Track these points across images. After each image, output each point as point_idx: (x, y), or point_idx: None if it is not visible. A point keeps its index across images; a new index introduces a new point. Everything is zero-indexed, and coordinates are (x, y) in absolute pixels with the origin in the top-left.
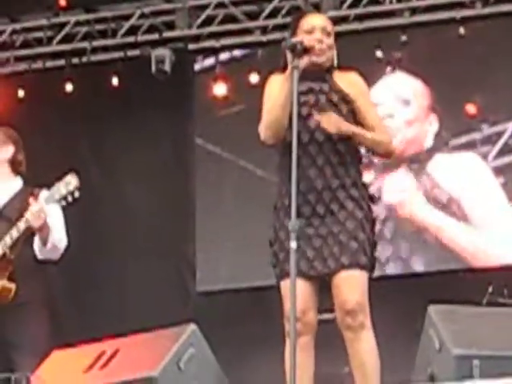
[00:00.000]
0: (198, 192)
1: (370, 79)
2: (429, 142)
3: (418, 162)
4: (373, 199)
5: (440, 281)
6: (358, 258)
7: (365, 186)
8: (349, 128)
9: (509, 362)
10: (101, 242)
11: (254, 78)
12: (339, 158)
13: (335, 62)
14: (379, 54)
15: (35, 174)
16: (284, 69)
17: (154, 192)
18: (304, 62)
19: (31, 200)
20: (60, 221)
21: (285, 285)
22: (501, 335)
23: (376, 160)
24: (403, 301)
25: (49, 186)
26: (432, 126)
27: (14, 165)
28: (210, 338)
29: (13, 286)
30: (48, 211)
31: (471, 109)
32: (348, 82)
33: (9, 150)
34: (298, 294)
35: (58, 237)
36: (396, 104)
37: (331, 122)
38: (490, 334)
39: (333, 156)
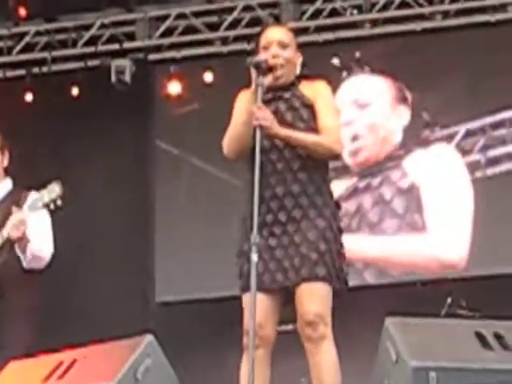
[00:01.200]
0: (157, 198)
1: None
2: (398, 137)
3: (393, 159)
4: (338, 206)
5: (398, 293)
6: (318, 271)
7: (330, 194)
8: (280, 130)
9: (466, 374)
10: (64, 249)
11: (208, 77)
12: (300, 164)
13: (297, 71)
14: (336, 61)
15: None
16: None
17: (116, 201)
18: (268, 79)
19: (14, 209)
20: (44, 229)
21: (246, 298)
22: (458, 347)
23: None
24: (362, 312)
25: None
26: (402, 118)
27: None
28: (168, 348)
29: None
30: (32, 219)
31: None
32: (312, 89)
33: None
34: (257, 308)
35: (39, 246)
36: (354, 109)
37: (266, 119)
38: (448, 345)
39: (293, 162)
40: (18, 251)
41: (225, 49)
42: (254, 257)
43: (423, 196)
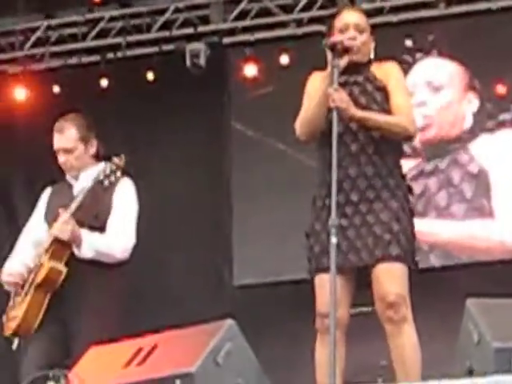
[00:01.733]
0: (233, 180)
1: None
2: (468, 122)
3: (459, 142)
4: (410, 190)
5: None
6: (392, 250)
7: (403, 177)
8: (356, 112)
9: None
10: (139, 235)
11: (284, 60)
12: (375, 147)
13: (372, 55)
14: (409, 43)
15: None
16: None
17: (191, 184)
18: (344, 61)
19: (60, 210)
20: (123, 220)
21: (319, 280)
22: None
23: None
24: (442, 294)
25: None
26: (471, 104)
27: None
28: (247, 332)
29: (63, 269)
30: (114, 212)
31: (501, 89)
32: (383, 71)
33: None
34: (328, 291)
35: (109, 241)
36: (428, 91)
37: (343, 100)
38: None
39: (368, 145)
40: (74, 248)
41: (299, 31)
42: (333, 239)
43: (492, 181)
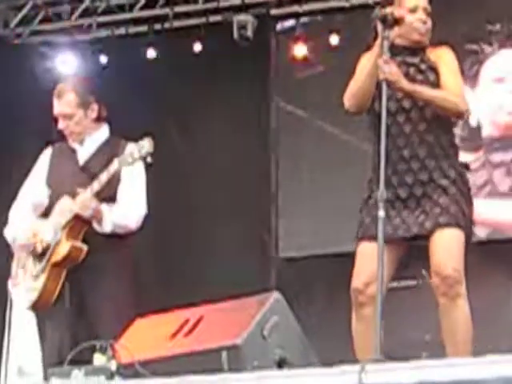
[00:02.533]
0: (280, 156)
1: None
2: None
3: None
4: (467, 167)
5: None
6: (442, 219)
7: (456, 155)
8: (406, 84)
9: None
10: (182, 208)
11: (334, 40)
12: (427, 126)
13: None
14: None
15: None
16: (373, 42)
17: (236, 157)
18: (394, 32)
19: (80, 190)
20: (133, 192)
21: (361, 247)
22: None
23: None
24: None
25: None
26: None
27: (85, 110)
28: (293, 305)
29: (84, 247)
30: (123, 181)
31: None
32: (437, 55)
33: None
34: (367, 263)
35: (123, 214)
36: None
37: (393, 73)
38: None
39: (420, 124)
40: (94, 223)
41: (347, 3)
42: (381, 212)
43: None
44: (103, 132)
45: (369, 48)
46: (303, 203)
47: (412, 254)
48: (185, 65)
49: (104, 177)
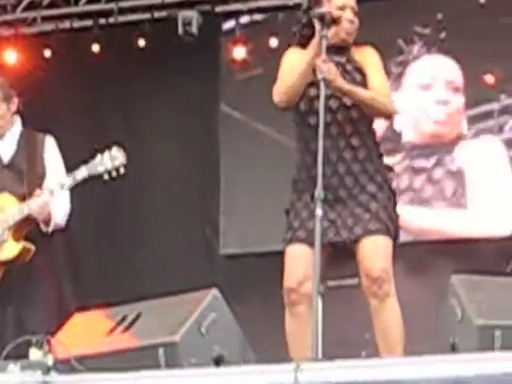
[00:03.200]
0: (222, 156)
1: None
2: (465, 126)
3: (448, 145)
4: (391, 169)
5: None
6: (372, 225)
7: (381, 158)
8: (344, 84)
9: None
10: (125, 204)
11: (273, 42)
12: (353, 128)
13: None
14: (419, 29)
15: (60, 134)
16: (302, 42)
17: (180, 155)
18: (332, 32)
19: (38, 192)
20: (65, 195)
21: (290, 250)
22: None
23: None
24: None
25: (75, 146)
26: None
27: (8, 104)
28: (232, 302)
29: (32, 247)
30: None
31: (490, 79)
32: (362, 55)
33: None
34: (298, 263)
35: (61, 216)
36: (448, 90)
37: (331, 72)
38: None
39: (346, 126)
40: (42, 225)
41: (291, 1)
42: (319, 211)
43: (468, 181)
44: (18, 125)
45: (301, 44)
46: (244, 202)
47: (351, 253)
48: (129, 60)
49: (68, 181)
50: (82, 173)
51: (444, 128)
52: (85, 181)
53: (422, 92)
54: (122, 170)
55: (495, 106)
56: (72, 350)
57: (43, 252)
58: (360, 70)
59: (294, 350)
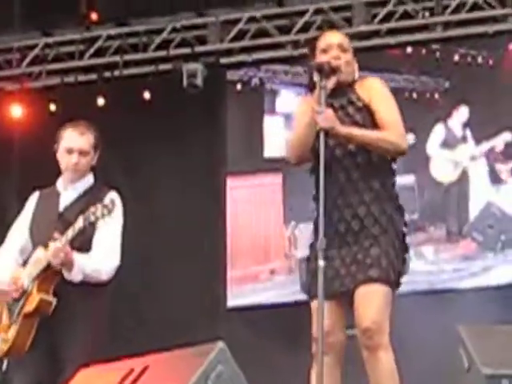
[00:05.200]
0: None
1: None
2: None
3: None
4: (401, 211)
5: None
6: (372, 273)
7: (390, 199)
8: (343, 129)
9: None
10: (129, 255)
11: None
12: (359, 173)
13: (356, 75)
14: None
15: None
16: (311, 89)
17: (185, 206)
18: (332, 82)
19: (56, 235)
20: (107, 243)
21: (313, 305)
22: None
23: None
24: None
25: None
26: None
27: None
28: (239, 355)
29: (53, 300)
30: (99, 233)
31: None
32: (366, 88)
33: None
34: (325, 316)
35: (96, 265)
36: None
37: (328, 120)
38: None
39: (352, 171)
40: (64, 271)
41: (296, 52)
42: (321, 262)
43: None
44: (89, 179)
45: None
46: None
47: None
48: (135, 112)
49: (77, 227)
50: (79, 223)
51: None
52: None
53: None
54: (112, 215)
55: None
56: None
57: (85, 303)
58: (362, 109)
59: None
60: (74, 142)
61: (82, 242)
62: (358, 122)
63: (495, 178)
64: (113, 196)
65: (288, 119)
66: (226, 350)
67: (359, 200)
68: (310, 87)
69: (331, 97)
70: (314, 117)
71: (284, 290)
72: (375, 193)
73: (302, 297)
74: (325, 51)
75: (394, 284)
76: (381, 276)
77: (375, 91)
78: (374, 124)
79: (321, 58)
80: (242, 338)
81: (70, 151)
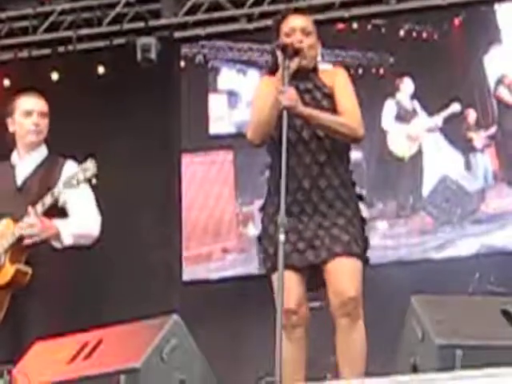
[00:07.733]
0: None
1: None
2: None
3: None
4: (361, 198)
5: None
6: (351, 247)
7: (353, 186)
8: (305, 109)
9: (492, 352)
10: None
11: None
12: (326, 157)
13: (319, 59)
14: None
15: None
16: (273, 71)
17: (140, 178)
18: (295, 63)
19: (29, 209)
20: (88, 205)
21: (276, 278)
22: (485, 324)
23: None
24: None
25: None
26: None
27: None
28: (194, 328)
29: (28, 269)
30: (74, 196)
31: None
32: (331, 77)
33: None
34: (292, 287)
35: (84, 225)
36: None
37: (291, 99)
38: (474, 323)
39: (319, 155)
40: (53, 241)
41: (250, 26)
42: (282, 237)
43: None
44: (43, 149)
45: (273, 72)
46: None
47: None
48: (89, 87)
49: (48, 199)
50: (59, 188)
51: None
52: None
53: None
54: (93, 181)
55: None
56: (34, 379)
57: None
58: (328, 96)
59: (289, 373)
60: (34, 105)
61: (56, 211)
62: (323, 106)
63: (449, 151)
64: (71, 169)
65: (231, 96)
66: (180, 323)
67: (327, 184)
68: (273, 69)
69: (295, 79)
70: (277, 96)
71: (235, 268)
72: (341, 178)
73: (253, 272)
74: (287, 35)
75: (365, 261)
76: (357, 251)
77: (339, 80)
78: (336, 111)
79: (286, 39)
80: (197, 311)
81: (29, 113)
